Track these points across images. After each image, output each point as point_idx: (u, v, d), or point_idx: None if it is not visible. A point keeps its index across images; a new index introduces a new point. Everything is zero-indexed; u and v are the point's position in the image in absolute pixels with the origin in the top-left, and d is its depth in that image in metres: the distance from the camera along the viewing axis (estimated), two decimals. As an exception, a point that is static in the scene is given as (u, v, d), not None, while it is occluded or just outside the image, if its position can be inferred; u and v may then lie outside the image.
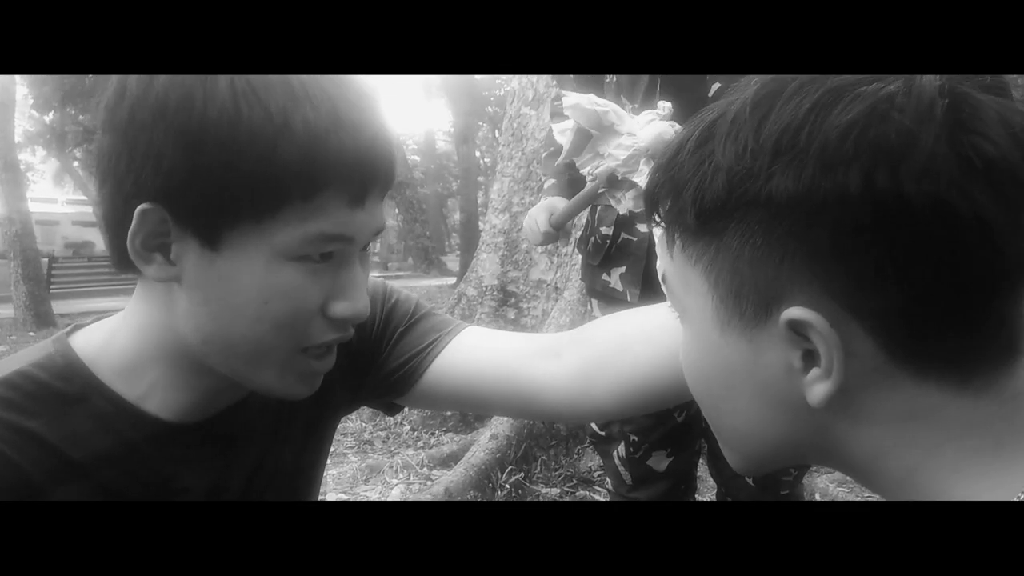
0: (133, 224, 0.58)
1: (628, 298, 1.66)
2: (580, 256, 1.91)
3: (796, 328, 0.43)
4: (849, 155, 0.40)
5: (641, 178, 0.94)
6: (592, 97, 0.93)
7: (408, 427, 3.92)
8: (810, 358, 0.44)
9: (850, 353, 0.42)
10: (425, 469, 3.33)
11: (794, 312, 0.42)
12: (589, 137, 0.97)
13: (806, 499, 2.20)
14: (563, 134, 1.59)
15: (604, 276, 1.73)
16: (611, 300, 1.72)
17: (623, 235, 1.68)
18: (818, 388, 0.43)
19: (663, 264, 0.54)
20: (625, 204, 1.00)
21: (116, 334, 0.68)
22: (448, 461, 3.37)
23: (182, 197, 0.57)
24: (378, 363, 0.81)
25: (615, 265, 1.70)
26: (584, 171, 1.43)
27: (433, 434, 3.85)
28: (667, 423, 1.70)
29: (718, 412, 0.52)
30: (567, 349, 0.77)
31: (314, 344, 0.64)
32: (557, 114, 1.85)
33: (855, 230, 0.40)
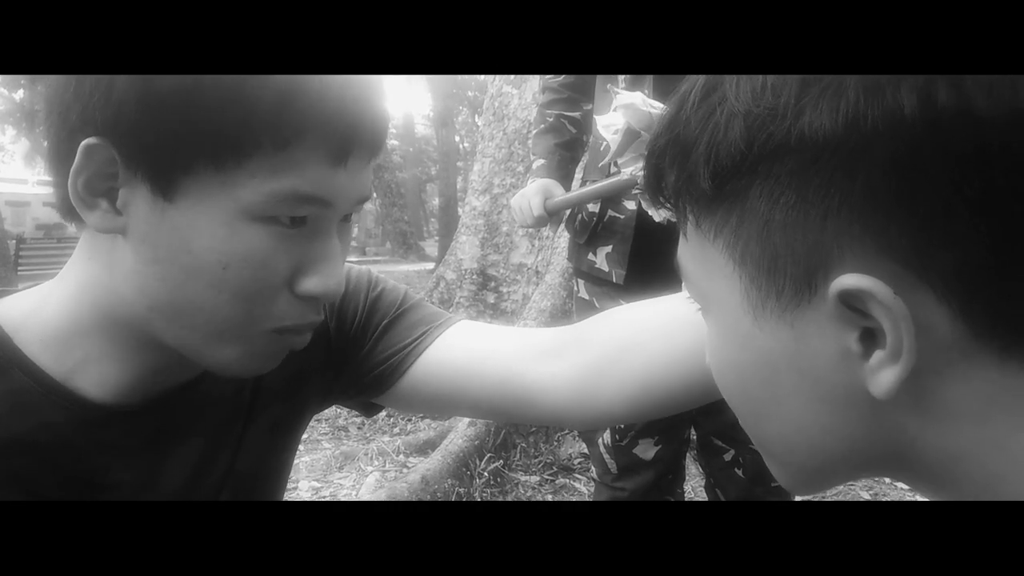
0: (76, 161, 0.50)
1: (614, 279, 1.59)
2: (562, 239, 1.84)
3: (850, 302, 0.34)
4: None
5: None
6: (644, 97, 0.86)
7: (384, 413, 3.83)
8: (870, 338, 0.35)
9: (920, 327, 0.33)
10: (401, 456, 3.26)
11: (847, 280, 0.34)
12: (637, 137, 0.91)
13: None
14: (607, 129, 1.52)
15: (590, 255, 1.65)
16: (597, 281, 1.65)
17: (610, 212, 1.60)
18: (884, 375, 0.34)
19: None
20: (663, 213, 0.92)
21: (48, 299, 0.58)
22: (425, 448, 3.29)
23: (133, 133, 0.49)
24: (358, 358, 0.72)
25: (601, 244, 1.62)
26: (626, 171, 1.36)
27: (410, 420, 3.77)
28: (655, 410, 1.62)
29: (759, 420, 0.42)
30: (569, 347, 0.68)
31: (279, 327, 0.56)
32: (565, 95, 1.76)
33: (915, 164, 0.32)
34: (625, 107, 0.88)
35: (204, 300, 0.52)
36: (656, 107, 0.85)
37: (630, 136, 0.93)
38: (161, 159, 0.50)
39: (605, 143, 1.57)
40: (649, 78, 1.49)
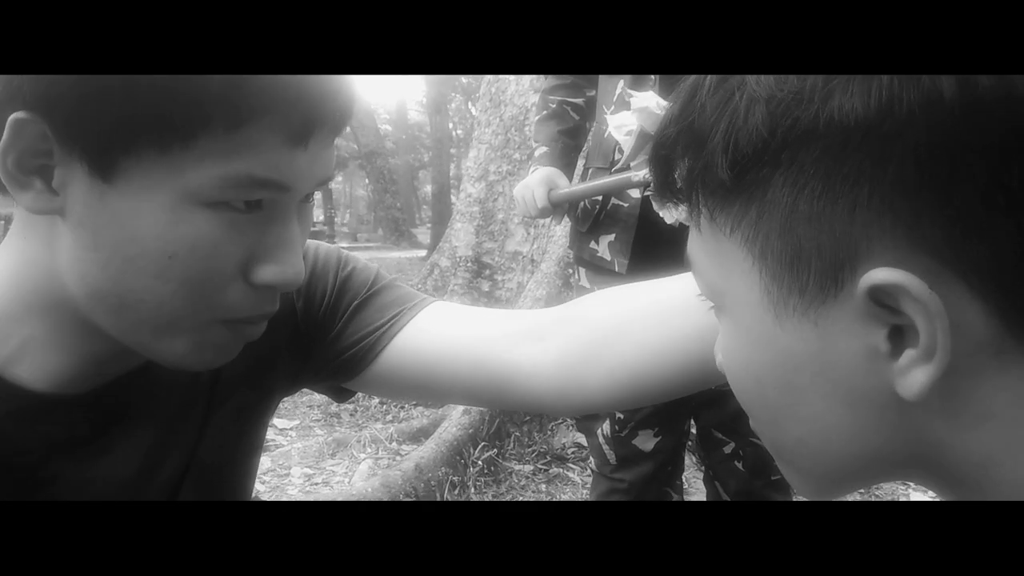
0: (4, 137, 0.45)
1: (616, 268, 1.57)
2: (558, 227, 1.82)
3: (880, 298, 0.32)
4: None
5: None
6: (658, 100, 0.84)
7: (376, 400, 3.81)
8: (898, 336, 0.33)
9: (953, 325, 0.32)
10: (394, 444, 3.24)
11: (879, 275, 0.32)
12: (650, 140, 0.91)
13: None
14: (619, 130, 1.50)
15: (592, 244, 1.63)
16: (599, 270, 1.63)
17: (613, 200, 1.58)
18: (916, 375, 0.33)
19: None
20: (673, 214, 0.91)
21: None
22: (418, 436, 3.27)
23: (67, 108, 0.44)
24: (327, 341, 0.68)
25: (604, 232, 1.60)
26: (640, 174, 1.34)
27: (403, 408, 3.75)
28: (655, 401, 1.61)
29: (777, 425, 0.40)
30: (552, 330, 0.65)
31: (230, 318, 0.52)
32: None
33: (951, 151, 0.30)
34: (640, 111, 0.87)
35: (149, 291, 0.48)
36: None
37: (643, 139, 0.91)
38: (99, 139, 0.45)
39: (608, 131, 1.56)
40: (654, 77, 1.47)
